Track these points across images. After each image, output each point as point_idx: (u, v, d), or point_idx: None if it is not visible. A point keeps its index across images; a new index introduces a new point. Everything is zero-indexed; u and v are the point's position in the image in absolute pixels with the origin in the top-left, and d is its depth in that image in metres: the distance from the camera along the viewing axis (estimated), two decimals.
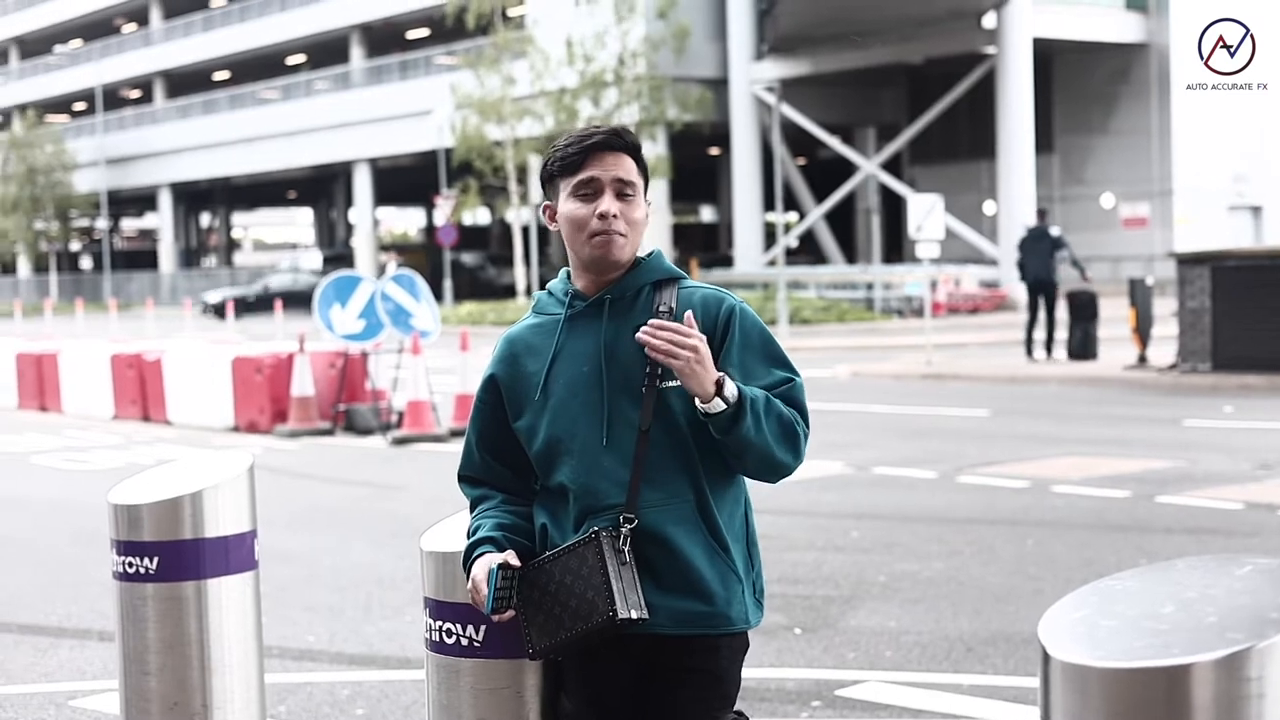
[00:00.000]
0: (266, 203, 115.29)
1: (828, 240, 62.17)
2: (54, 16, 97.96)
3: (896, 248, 64.35)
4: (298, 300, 59.11)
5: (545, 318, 4.29)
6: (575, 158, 4.17)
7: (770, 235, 60.11)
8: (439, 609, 4.40)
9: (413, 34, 79.01)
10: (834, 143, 60.14)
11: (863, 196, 64.30)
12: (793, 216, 66.38)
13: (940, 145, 62.63)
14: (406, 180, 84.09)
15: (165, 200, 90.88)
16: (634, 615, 3.93)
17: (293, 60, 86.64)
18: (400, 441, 19.81)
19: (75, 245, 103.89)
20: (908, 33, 55.92)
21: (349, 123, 74.40)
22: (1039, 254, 27.70)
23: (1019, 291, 44.83)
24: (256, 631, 5.90)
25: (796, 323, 42.79)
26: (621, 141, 4.19)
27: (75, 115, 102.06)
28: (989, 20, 54.15)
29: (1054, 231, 28.13)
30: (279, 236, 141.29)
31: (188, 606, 5.70)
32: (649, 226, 4.32)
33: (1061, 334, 28.82)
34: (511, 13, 58.91)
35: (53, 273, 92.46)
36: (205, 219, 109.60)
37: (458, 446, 18.18)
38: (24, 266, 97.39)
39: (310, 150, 77.90)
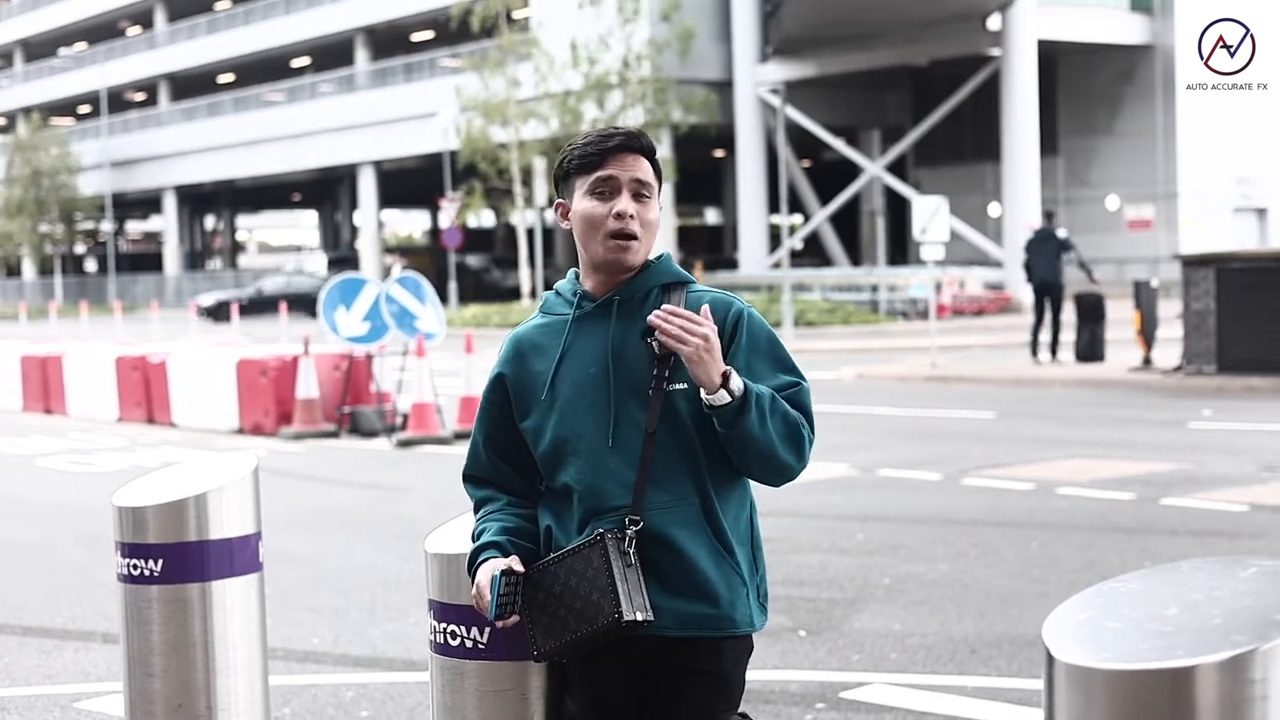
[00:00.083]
0: (271, 205, 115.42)
1: (832, 242, 62.17)
2: (59, 19, 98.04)
3: (901, 250, 64.38)
4: (291, 303, 59.24)
5: (553, 318, 4.29)
6: (594, 157, 4.19)
7: (775, 237, 60.17)
8: (443, 611, 4.40)
9: (417, 36, 79.06)
10: (839, 145, 60.16)
11: (867, 199, 64.32)
12: (797, 219, 66.39)
13: (945, 147, 62.63)
14: (411, 183, 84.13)
15: (170, 203, 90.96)
16: (639, 617, 3.93)
17: (297, 63, 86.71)
18: (405, 444, 19.81)
19: (80, 248, 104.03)
20: (912, 35, 55.93)
21: (354, 125, 74.44)
22: (1045, 256, 27.67)
23: (1024, 293, 44.87)
24: (261, 633, 5.90)
25: (801, 325, 42.79)
26: (639, 143, 4.21)
27: (80, 118, 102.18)
28: (994, 22, 54.16)
29: (1061, 233, 28.10)
30: (284, 239, 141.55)
31: (192, 608, 5.70)
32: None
33: (1068, 336, 28.81)
34: (516, 15, 58.89)
35: (58, 275, 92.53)
36: (210, 221, 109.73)
37: (462, 449, 18.15)
38: (29, 269, 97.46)
39: (315, 153, 77.93)
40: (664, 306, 4.05)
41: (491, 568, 4.08)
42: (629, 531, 4.01)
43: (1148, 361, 25.83)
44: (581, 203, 4.20)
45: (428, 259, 77.55)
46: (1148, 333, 26.01)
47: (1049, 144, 57.38)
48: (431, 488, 16.16)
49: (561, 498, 4.17)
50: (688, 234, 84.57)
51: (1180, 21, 53.96)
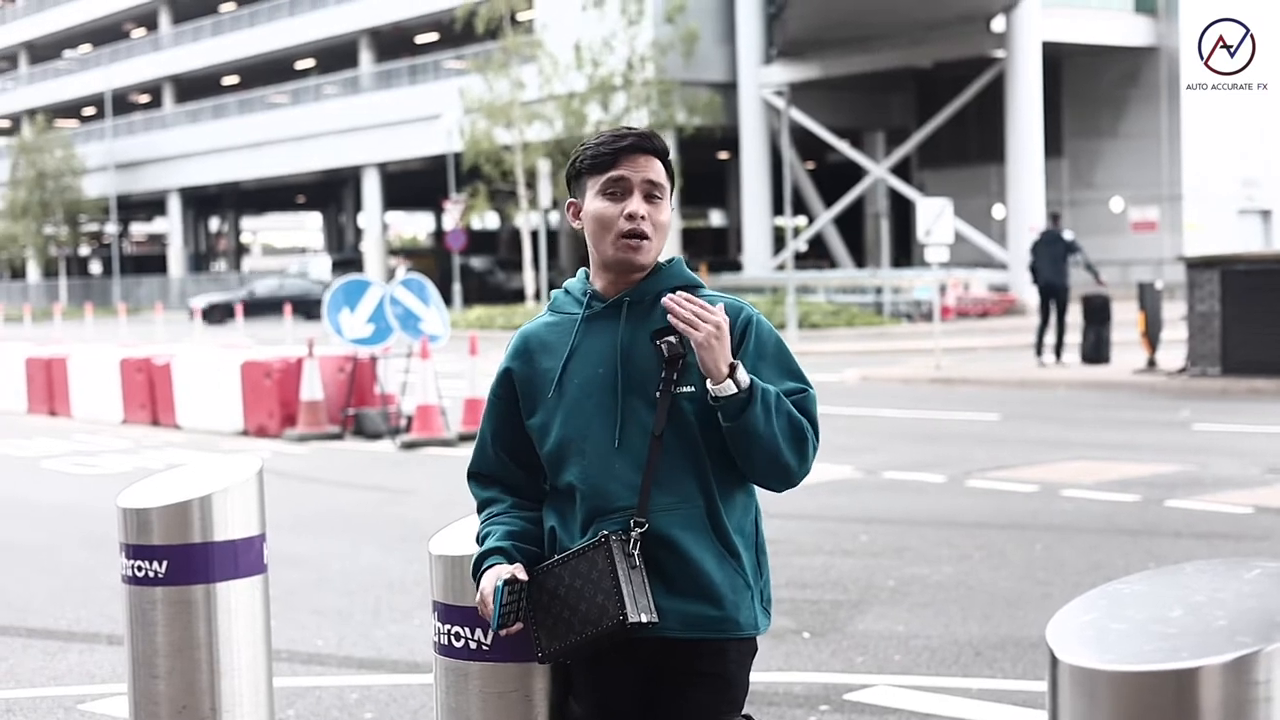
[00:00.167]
0: (275, 207, 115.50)
1: (837, 244, 62.17)
2: (63, 21, 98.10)
3: (905, 252, 64.38)
4: (283, 306, 59.34)
5: (562, 316, 4.29)
6: (607, 157, 4.19)
7: (779, 239, 60.21)
8: (447, 613, 4.40)
9: (422, 38, 79.11)
10: (843, 147, 60.17)
11: (871, 201, 64.32)
12: (801, 221, 66.38)
13: (949, 149, 62.63)
14: (415, 185, 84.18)
15: (174, 205, 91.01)
16: (644, 619, 3.93)
17: (302, 65, 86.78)
18: (409, 446, 19.82)
19: (84, 250, 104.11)
20: (917, 37, 55.95)
21: (358, 127, 74.49)
22: (1051, 258, 27.65)
23: (1028, 295, 44.87)
24: (265, 635, 5.90)
25: (805, 327, 42.78)
26: (652, 144, 4.21)
27: (84, 120, 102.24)
28: (998, 24, 54.17)
29: (1067, 235, 28.09)
30: (288, 241, 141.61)
31: (197, 610, 5.70)
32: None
33: (1073, 338, 28.80)
34: (520, 17, 58.95)
35: (62, 277, 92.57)
36: (214, 223, 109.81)
37: (467, 451, 18.18)
38: (33, 271, 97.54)
39: (319, 155, 77.98)
40: (680, 290, 4.06)
41: (495, 575, 4.08)
42: (634, 533, 4.01)
43: (1152, 363, 25.82)
44: (593, 203, 4.20)
45: (432, 261, 77.61)
46: (1152, 335, 26.00)
47: (1053, 146, 57.37)
48: (436, 490, 16.17)
49: (565, 497, 4.17)
50: (692, 236, 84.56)
51: (1184, 23, 53.98)
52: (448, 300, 52.40)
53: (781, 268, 54.57)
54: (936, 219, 29.12)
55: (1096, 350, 27.66)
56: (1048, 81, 55.12)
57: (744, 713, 4.21)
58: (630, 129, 4.25)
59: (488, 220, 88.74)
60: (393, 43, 79.01)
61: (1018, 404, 22.93)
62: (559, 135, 55.71)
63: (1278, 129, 57.17)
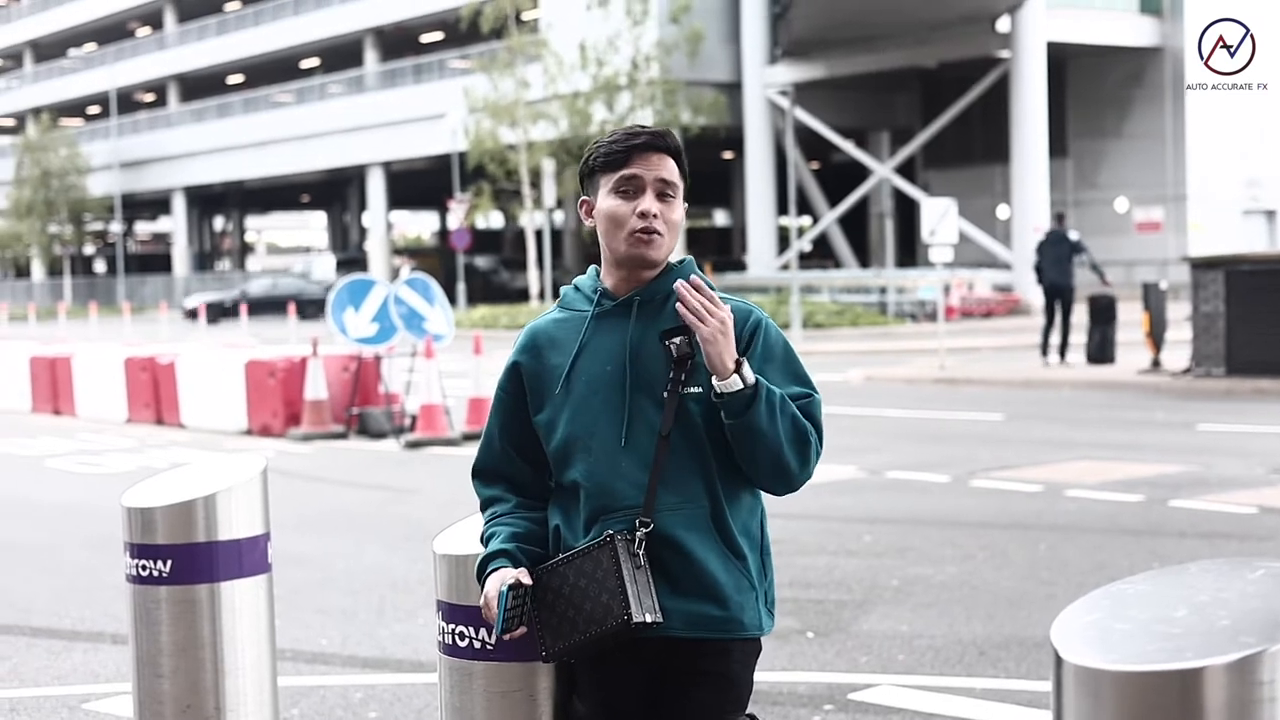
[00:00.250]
0: (280, 206, 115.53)
1: (841, 244, 62.15)
2: (68, 20, 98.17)
3: (910, 252, 64.36)
4: (274, 306, 59.46)
5: (571, 313, 4.29)
6: (619, 155, 4.19)
7: (783, 239, 60.19)
8: (452, 612, 4.41)
9: (426, 38, 79.13)
10: (848, 146, 60.15)
11: (876, 200, 64.30)
12: (806, 220, 66.38)
13: (954, 149, 62.62)
14: (420, 184, 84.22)
15: (179, 204, 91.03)
16: (648, 619, 3.93)
17: (307, 64, 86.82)
18: (413, 445, 19.82)
19: (89, 249, 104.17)
20: (921, 37, 55.93)
21: (363, 126, 74.51)
22: (1057, 258, 27.63)
23: (1033, 295, 44.84)
24: (269, 634, 5.91)
25: (810, 327, 42.77)
26: (665, 143, 4.21)
27: (89, 119, 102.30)
28: (1003, 24, 54.15)
29: (1072, 236, 28.07)
30: (292, 240, 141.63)
31: (201, 609, 5.71)
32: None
33: (1079, 338, 28.79)
34: (525, 16, 58.97)
35: (66, 276, 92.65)
36: (219, 222, 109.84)
37: (471, 450, 18.18)
38: (38, 270, 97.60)
39: (324, 154, 78.00)
40: (693, 278, 4.06)
41: (500, 579, 4.07)
42: (639, 533, 4.01)
43: (1157, 364, 25.81)
44: (606, 200, 4.20)
45: (436, 260, 77.69)
46: (1156, 335, 25.99)
47: (1058, 146, 57.35)
48: (440, 489, 16.18)
49: (570, 495, 4.17)
50: (696, 236, 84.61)
51: (1189, 24, 53.95)
52: (452, 300, 52.39)
53: (786, 267, 54.55)
54: (941, 219, 29.12)
55: (1101, 350, 27.64)
56: (1052, 82, 55.09)
57: (748, 712, 4.21)
58: (643, 127, 4.26)
59: (492, 220, 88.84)
60: (398, 42, 79.04)
61: (1022, 404, 22.93)
62: (564, 135, 55.74)
63: (1277, 128, 57.14)
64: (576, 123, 55.00)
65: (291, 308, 51.34)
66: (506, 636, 4.07)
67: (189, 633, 5.70)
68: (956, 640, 8.99)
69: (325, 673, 8.83)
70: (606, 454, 4.09)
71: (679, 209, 4.23)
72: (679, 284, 4.03)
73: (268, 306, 61.45)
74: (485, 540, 4.25)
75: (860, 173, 62.74)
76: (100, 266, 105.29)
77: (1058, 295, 27.78)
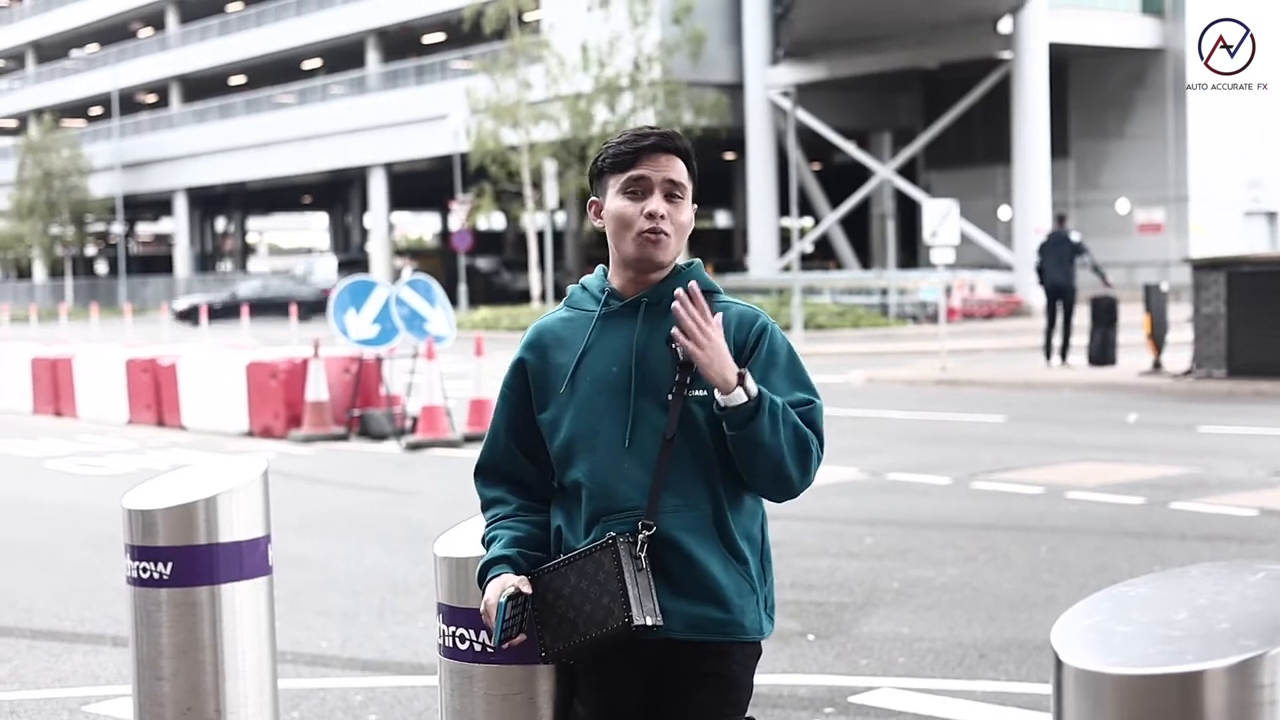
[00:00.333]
0: (282, 207, 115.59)
1: (843, 245, 62.18)
2: (70, 21, 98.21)
3: (911, 253, 64.36)
4: (264, 307, 59.51)
5: (577, 313, 4.29)
6: (628, 156, 4.19)
7: (785, 240, 60.16)
8: (452, 614, 4.40)
9: (429, 39, 79.17)
10: (849, 148, 60.16)
11: (878, 201, 64.32)
12: (808, 222, 66.39)
13: (956, 150, 62.63)
14: (422, 185, 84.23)
15: (180, 205, 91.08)
16: (649, 622, 3.93)
17: (309, 65, 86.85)
18: (414, 447, 19.82)
19: (90, 250, 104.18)
20: (923, 37, 55.95)
21: (364, 127, 74.54)
22: (1058, 259, 27.63)
23: (1034, 297, 44.85)
24: (270, 637, 5.91)
25: (811, 328, 42.78)
26: (674, 144, 4.21)
27: (91, 120, 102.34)
28: (1004, 25, 54.17)
29: (1074, 237, 28.06)
30: (294, 241, 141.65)
31: (201, 611, 5.71)
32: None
33: (1081, 339, 28.79)
34: (527, 17, 58.99)
35: (68, 277, 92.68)
36: (220, 223, 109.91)
37: (472, 452, 18.19)
38: (39, 271, 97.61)
39: (326, 155, 78.03)
40: (689, 287, 4.05)
41: (500, 585, 4.07)
42: (641, 536, 4.01)
43: (1158, 365, 25.81)
44: (614, 201, 4.20)
45: (438, 261, 77.76)
46: (1158, 337, 25.99)
47: (1060, 147, 57.37)
48: (441, 491, 16.17)
49: (572, 495, 4.17)
50: (697, 236, 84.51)
51: (1191, 25, 53.95)
52: (453, 301, 52.38)
53: (787, 269, 54.54)
54: (942, 220, 29.12)
55: (1102, 352, 27.63)
56: (1054, 83, 55.12)
57: (748, 715, 4.22)
58: (653, 128, 4.26)
59: (494, 221, 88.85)
60: (400, 43, 79.07)
61: (1023, 406, 22.92)
62: (565, 136, 55.77)
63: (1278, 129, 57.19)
64: (578, 124, 55.03)
65: (293, 309, 51.34)
66: (505, 645, 4.07)
67: (189, 635, 5.70)
68: (957, 643, 8.99)
69: (325, 675, 8.82)
70: (609, 455, 4.09)
71: (687, 210, 4.23)
72: (675, 306, 4.01)
73: (258, 308, 61.53)
74: (486, 543, 4.24)
75: (862, 174, 62.75)
76: (102, 268, 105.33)
77: (1059, 297, 27.77)
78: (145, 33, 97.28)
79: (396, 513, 14.92)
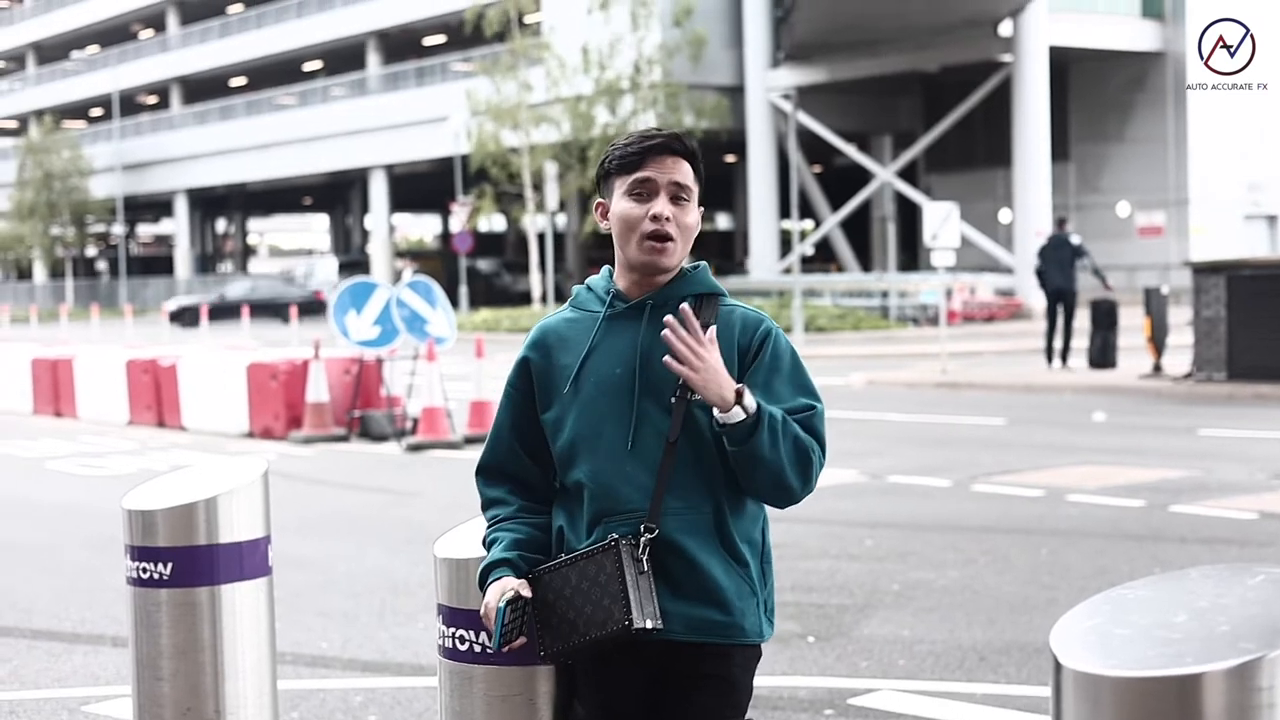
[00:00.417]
0: (282, 209, 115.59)
1: (843, 248, 62.17)
2: (71, 22, 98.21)
3: (912, 256, 64.38)
4: (254, 309, 59.52)
5: (582, 313, 4.29)
6: (634, 158, 4.19)
7: (785, 243, 60.14)
8: (452, 616, 4.40)
9: (429, 41, 79.16)
10: (850, 150, 60.16)
11: (878, 204, 64.32)
12: (808, 224, 66.40)
13: (956, 153, 62.63)
14: (422, 187, 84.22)
15: (181, 206, 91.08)
16: (649, 625, 3.93)
17: (310, 66, 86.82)
18: (415, 448, 19.82)
19: (91, 251, 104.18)
20: (924, 41, 55.94)
21: (365, 129, 74.53)
22: (1059, 262, 27.63)
23: (1035, 299, 44.85)
24: (270, 637, 5.91)
25: (811, 330, 42.78)
26: (681, 146, 4.21)
27: (92, 121, 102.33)
28: (1005, 28, 54.16)
29: (1074, 240, 28.07)
30: (295, 243, 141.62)
31: (201, 612, 5.71)
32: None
33: (1081, 343, 28.78)
34: (528, 20, 58.99)
35: (68, 278, 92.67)
36: (221, 225, 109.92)
37: (472, 453, 18.20)
38: (40, 272, 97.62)
39: (326, 156, 78.02)
40: (684, 308, 4.05)
41: (501, 588, 4.07)
42: (643, 538, 4.01)
43: (1158, 368, 25.81)
44: (620, 203, 4.20)
45: (438, 263, 77.68)
46: (1158, 340, 25.99)
47: (1060, 150, 57.38)
48: (441, 492, 16.17)
49: (574, 496, 4.17)
50: (698, 239, 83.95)
51: (1191, 28, 53.95)
52: (454, 303, 52.39)
53: (788, 271, 54.53)
54: (943, 223, 29.12)
55: (1103, 355, 27.64)
56: (1054, 86, 55.13)
57: (748, 717, 4.22)
58: (659, 130, 4.26)
59: (494, 223, 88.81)
60: (400, 45, 79.07)
61: (1023, 408, 22.92)
62: (566, 138, 55.77)
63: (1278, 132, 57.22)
64: (579, 126, 55.03)
65: (293, 311, 51.33)
66: (505, 648, 4.07)
67: (189, 635, 5.70)
68: (957, 645, 8.99)
69: (325, 676, 8.83)
70: (612, 457, 4.09)
71: (693, 212, 4.23)
72: (665, 334, 4.00)
73: (250, 310, 61.61)
74: (487, 545, 4.24)
75: (862, 176, 62.75)
76: (102, 268, 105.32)
77: (1060, 300, 27.77)
78: (146, 34, 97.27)
79: (397, 514, 14.93)
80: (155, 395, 23.61)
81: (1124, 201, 58.54)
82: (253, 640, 5.81)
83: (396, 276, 65.43)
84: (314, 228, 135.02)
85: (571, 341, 4.23)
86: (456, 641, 4.38)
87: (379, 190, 75.79)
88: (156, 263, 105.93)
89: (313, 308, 61.41)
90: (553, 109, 56.16)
